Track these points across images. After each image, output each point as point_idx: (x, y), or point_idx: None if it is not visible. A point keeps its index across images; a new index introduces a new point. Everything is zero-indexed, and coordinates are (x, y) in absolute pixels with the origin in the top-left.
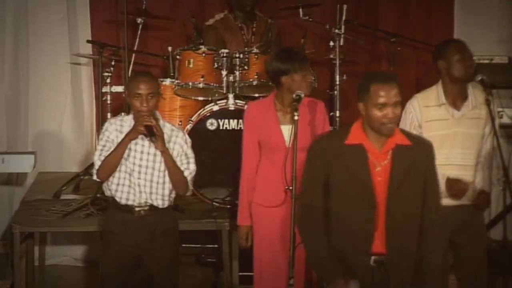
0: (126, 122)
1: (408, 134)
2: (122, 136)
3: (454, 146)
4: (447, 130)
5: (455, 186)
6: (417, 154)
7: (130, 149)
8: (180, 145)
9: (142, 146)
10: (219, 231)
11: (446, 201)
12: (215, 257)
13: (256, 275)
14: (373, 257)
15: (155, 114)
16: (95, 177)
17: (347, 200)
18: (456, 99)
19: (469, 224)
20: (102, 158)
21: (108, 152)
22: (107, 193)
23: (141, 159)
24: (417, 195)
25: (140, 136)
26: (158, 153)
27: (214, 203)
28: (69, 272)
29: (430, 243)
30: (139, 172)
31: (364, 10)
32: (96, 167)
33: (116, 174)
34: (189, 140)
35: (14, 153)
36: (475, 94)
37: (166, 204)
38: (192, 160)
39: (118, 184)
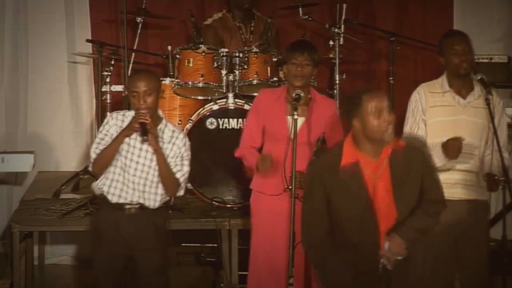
0: (128, 118)
1: (399, 136)
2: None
3: (458, 133)
4: (451, 117)
5: (450, 144)
6: (412, 152)
7: (129, 144)
8: (178, 147)
9: (141, 144)
10: (218, 230)
11: (451, 195)
12: (215, 256)
13: (252, 265)
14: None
15: (158, 113)
16: (90, 168)
17: (350, 217)
18: (461, 89)
19: (472, 223)
20: (98, 151)
21: (107, 142)
22: (97, 191)
23: (139, 156)
24: (417, 191)
25: (140, 133)
26: None
27: (213, 202)
28: (68, 271)
29: (426, 207)
30: (135, 169)
31: (364, 9)
32: (91, 159)
33: (111, 169)
34: (188, 143)
35: (13, 153)
36: (479, 86)
37: (158, 205)
38: (186, 162)
39: (112, 180)
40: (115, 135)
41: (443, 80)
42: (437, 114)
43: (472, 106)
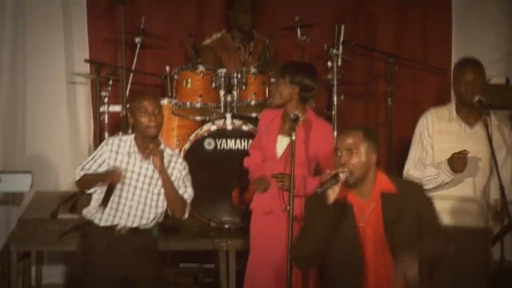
0: (125, 142)
1: (394, 179)
2: (117, 156)
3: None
4: (457, 144)
5: (456, 158)
6: (406, 199)
7: (126, 170)
8: (179, 170)
9: (140, 168)
10: (216, 251)
11: (449, 221)
12: (212, 277)
13: (248, 280)
14: None
15: (158, 139)
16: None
17: (337, 257)
18: (469, 116)
19: (470, 251)
20: (82, 173)
21: (92, 168)
22: (88, 216)
23: (137, 180)
24: (409, 236)
25: (138, 157)
26: (155, 175)
27: (211, 223)
28: None
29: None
30: (133, 194)
31: (362, 30)
32: (77, 176)
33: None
34: (186, 166)
35: (11, 172)
36: (490, 115)
37: (150, 226)
38: (189, 184)
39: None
40: (107, 161)
41: (451, 106)
42: (443, 140)
43: (479, 135)
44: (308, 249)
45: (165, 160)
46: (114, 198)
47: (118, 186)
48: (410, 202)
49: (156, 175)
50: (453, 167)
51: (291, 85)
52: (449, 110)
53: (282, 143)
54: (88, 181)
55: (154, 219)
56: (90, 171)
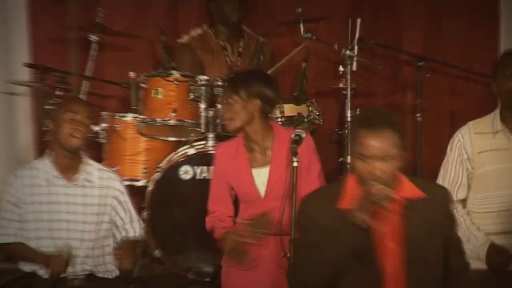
0: (40, 168)
1: (419, 183)
2: (33, 190)
3: None
4: (506, 163)
5: (499, 257)
6: (434, 206)
7: (50, 203)
8: (119, 191)
9: (66, 196)
10: None
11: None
12: None
13: None
14: None
15: (81, 155)
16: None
17: (352, 272)
18: None
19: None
20: (4, 237)
21: (13, 219)
22: (26, 268)
23: (67, 212)
24: (436, 256)
25: (61, 183)
26: (88, 201)
27: (188, 274)
28: None
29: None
30: (68, 230)
31: (384, 26)
32: None
33: (34, 242)
34: (124, 186)
35: None
36: None
37: (113, 272)
38: (135, 216)
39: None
40: (23, 199)
41: (495, 115)
42: (487, 161)
43: None
44: (321, 274)
45: (95, 176)
46: (48, 242)
47: (48, 224)
48: (437, 209)
49: (90, 199)
50: (492, 263)
51: (249, 100)
52: (492, 122)
53: (260, 178)
54: (22, 254)
55: (108, 256)
56: (12, 224)
